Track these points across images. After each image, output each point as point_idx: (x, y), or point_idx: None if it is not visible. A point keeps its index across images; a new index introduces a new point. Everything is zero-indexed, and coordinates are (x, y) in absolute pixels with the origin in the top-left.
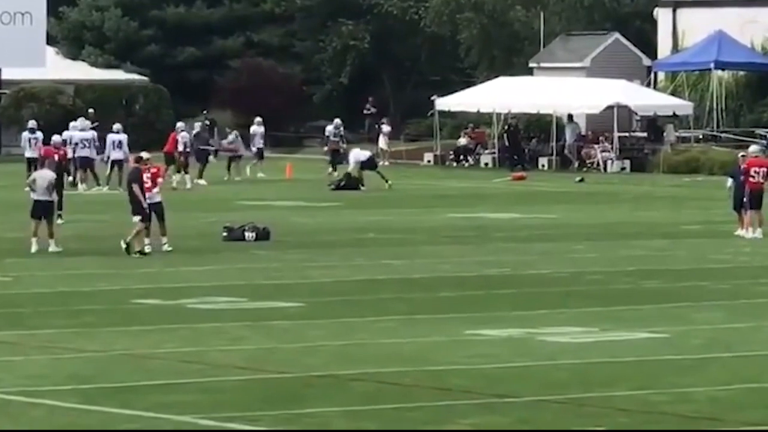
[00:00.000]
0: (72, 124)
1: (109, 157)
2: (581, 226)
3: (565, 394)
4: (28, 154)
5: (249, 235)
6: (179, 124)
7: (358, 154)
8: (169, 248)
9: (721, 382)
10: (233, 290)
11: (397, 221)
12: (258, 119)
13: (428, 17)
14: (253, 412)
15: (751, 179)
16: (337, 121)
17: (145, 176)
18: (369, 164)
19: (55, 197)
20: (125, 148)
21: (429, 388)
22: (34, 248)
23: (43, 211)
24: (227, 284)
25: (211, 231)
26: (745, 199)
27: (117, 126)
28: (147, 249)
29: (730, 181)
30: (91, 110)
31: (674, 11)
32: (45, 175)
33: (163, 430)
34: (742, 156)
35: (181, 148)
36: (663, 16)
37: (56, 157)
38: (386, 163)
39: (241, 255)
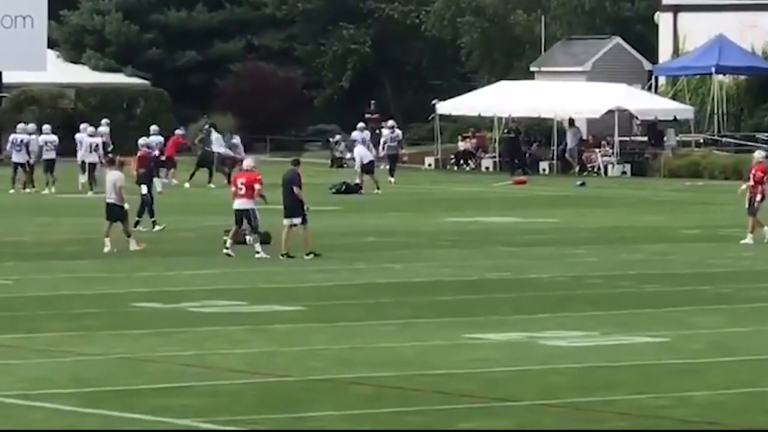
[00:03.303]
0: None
1: (84, 161)
2: (582, 231)
3: (565, 398)
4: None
5: (250, 238)
6: (153, 128)
7: (364, 154)
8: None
9: (721, 387)
10: (234, 294)
11: (397, 225)
12: (360, 125)
13: (429, 21)
14: (253, 415)
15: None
16: (391, 122)
17: (240, 182)
18: (368, 168)
19: (124, 199)
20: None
21: (429, 392)
22: (105, 249)
23: (108, 213)
24: (228, 288)
25: (212, 234)
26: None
27: (91, 129)
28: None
29: None
30: None
31: (675, 15)
32: (108, 177)
33: None
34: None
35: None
36: (664, 20)
37: (142, 159)
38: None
39: (241, 258)
